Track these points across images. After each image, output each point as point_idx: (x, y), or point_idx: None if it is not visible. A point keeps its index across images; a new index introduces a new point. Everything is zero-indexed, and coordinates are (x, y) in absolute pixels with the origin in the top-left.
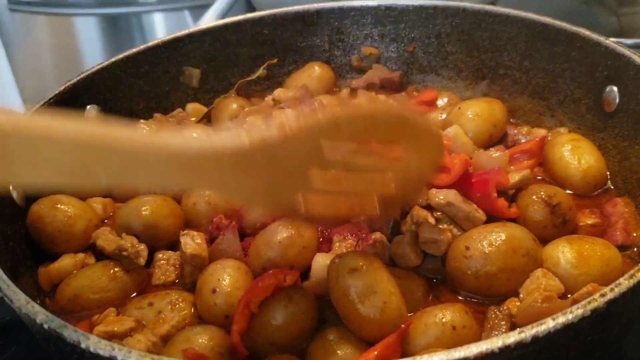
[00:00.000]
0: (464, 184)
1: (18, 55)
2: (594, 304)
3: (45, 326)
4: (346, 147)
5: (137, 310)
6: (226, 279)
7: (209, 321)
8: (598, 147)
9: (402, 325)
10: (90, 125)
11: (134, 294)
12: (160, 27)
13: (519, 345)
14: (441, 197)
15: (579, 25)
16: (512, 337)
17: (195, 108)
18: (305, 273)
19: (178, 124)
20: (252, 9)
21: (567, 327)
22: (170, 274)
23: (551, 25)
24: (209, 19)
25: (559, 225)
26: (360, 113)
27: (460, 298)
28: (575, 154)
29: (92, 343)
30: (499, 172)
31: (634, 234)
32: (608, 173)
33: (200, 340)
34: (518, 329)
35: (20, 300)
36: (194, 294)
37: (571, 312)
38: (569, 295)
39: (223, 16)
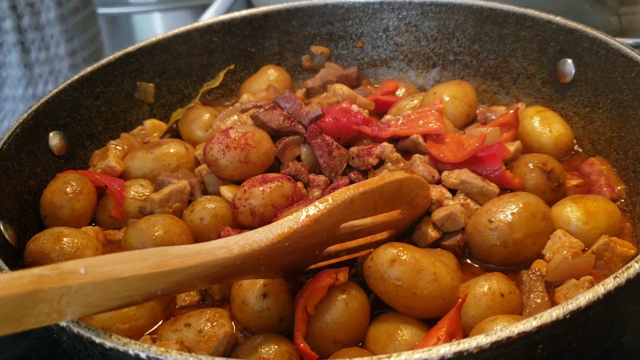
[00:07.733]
0: (471, 160)
1: None
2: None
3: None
4: (357, 219)
5: (174, 333)
6: (271, 281)
7: (259, 329)
8: (559, 115)
9: (459, 299)
10: (149, 256)
11: (161, 320)
12: (160, 27)
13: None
14: (454, 178)
15: None
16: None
17: (153, 124)
18: None
19: (143, 141)
20: (251, 7)
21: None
22: (195, 295)
23: (499, 8)
24: (209, 19)
25: (556, 189)
26: (370, 188)
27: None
28: (545, 124)
29: None
30: (501, 145)
31: (618, 187)
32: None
33: (267, 349)
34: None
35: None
36: (226, 309)
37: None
38: (586, 248)
39: None
